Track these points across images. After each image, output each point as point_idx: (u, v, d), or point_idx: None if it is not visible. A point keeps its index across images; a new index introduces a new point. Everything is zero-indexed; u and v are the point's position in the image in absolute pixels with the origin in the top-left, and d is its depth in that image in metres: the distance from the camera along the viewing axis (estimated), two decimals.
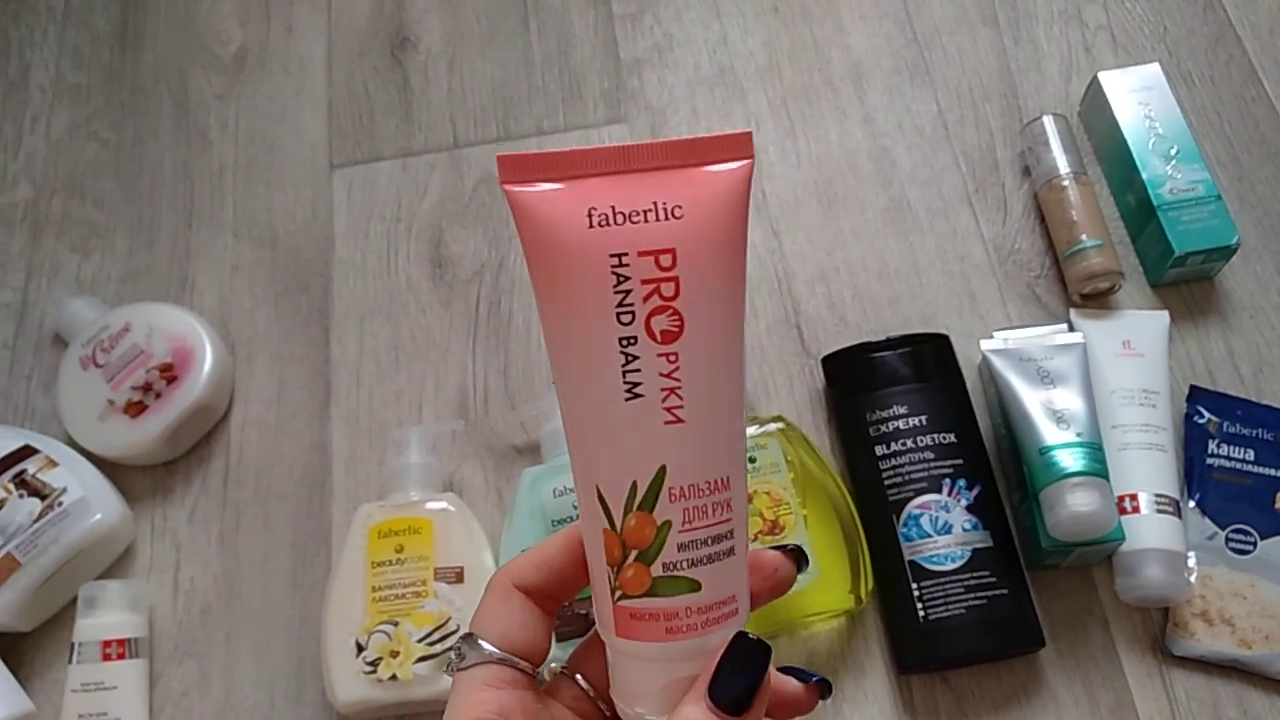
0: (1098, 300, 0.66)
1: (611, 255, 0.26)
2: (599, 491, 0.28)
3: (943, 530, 0.56)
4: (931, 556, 0.56)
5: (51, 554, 0.58)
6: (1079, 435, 0.56)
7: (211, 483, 0.65)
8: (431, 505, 0.58)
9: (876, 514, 0.58)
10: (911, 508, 0.57)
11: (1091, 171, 0.69)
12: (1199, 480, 0.59)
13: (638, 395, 0.27)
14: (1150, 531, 0.56)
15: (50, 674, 0.60)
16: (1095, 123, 0.70)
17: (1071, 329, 0.63)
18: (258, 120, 0.77)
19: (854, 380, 0.62)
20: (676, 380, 0.27)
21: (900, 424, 0.59)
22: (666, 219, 0.27)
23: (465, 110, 0.76)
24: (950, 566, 0.55)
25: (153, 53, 0.80)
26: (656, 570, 0.28)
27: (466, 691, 0.30)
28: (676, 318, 0.27)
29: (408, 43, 0.79)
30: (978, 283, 0.67)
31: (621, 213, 0.26)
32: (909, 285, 0.68)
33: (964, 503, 0.57)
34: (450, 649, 0.31)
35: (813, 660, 0.58)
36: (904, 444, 0.58)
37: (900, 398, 0.59)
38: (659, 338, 0.27)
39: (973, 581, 0.55)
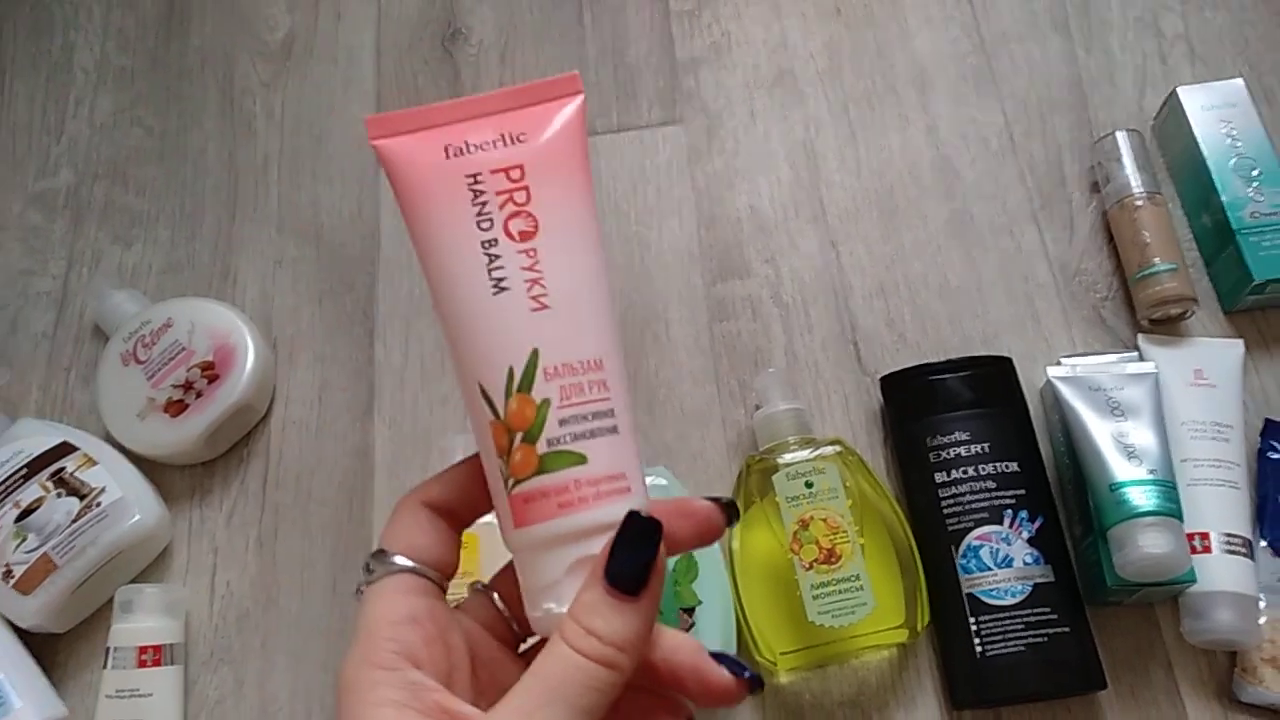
0: (1167, 326, 0.63)
1: (467, 175, 0.31)
2: (481, 388, 0.30)
3: (1003, 563, 0.54)
4: (991, 590, 0.54)
5: (89, 555, 0.57)
6: (1151, 472, 0.53)
7: (250, 485, 0.64)
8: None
9: (935, 544, 0.56)
10: (971, 539, 0.55)
11: (1164, 190, 0.66)
12: (1272, 519, 0.57)
13: (504, 289, 0.30)
14: (1221, 573, 0.54)
15: (84, 676, 0.59)
16: (1171, 139, 0.67)
17: (1141, 356, 0.61)
18: (304, 110, 0.75)
19: (914, 403, 0.60)
20: (538, 272, 0.30)
21: (961, 450, 0.57)
22: (513, 143, 0.31)
23: None
24: (1010, 601, 0.54)
25: (199, 37, 0.79)
26: (541, 447, 0.29)
27: (375, 600, 0.30)
28: (531, 219, 0.30)
29: (459, 34, 0.77)
30: (1041, 303, 0.65)
31: (474, 144, 0.31)
32: (970, 303, 0.65)
33: (1025, 535, 0.55)
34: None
35: (863, 690, 0.56)
36: (965, 472, 0.56)
37: (962, 423, 0.57)
38: (517, 237, 0.30)
39: (1033, 618, 0.53)
